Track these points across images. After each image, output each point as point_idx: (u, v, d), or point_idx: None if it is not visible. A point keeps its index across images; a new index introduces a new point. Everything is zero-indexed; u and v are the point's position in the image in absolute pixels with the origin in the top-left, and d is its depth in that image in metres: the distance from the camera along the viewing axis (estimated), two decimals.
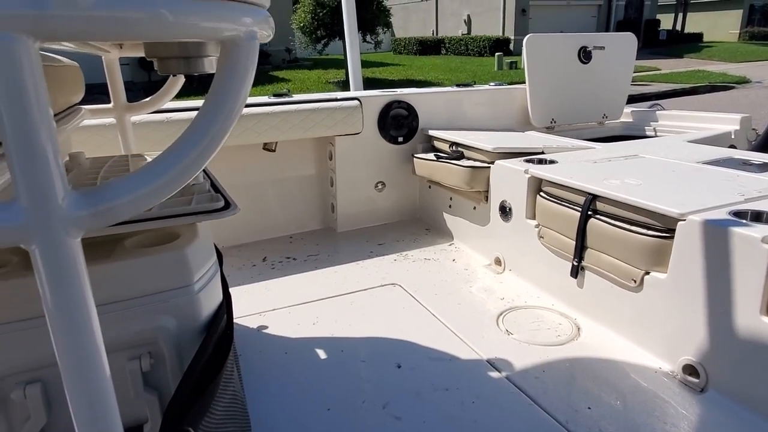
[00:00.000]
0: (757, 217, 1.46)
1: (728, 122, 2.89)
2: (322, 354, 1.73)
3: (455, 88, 3.08)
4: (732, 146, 2.71)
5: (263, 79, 15.86)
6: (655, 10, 29.54)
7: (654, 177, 1.88)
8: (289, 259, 2.53)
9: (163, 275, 0.97)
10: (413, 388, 1.54)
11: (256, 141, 2.54)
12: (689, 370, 1.52)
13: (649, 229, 1.62)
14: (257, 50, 0.67)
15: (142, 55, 1.50)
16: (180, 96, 2.01)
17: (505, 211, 2.25)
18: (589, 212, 1.80)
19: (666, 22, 29.93)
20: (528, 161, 2.22)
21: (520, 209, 2.16)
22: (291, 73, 18.08)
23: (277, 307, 2.05)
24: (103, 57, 1.67)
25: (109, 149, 2.10)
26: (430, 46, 28.29)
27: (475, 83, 3.32)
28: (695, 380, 1.50)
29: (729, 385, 1.42)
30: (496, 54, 19.50)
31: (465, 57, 25.35)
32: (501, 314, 1.96)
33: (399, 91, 2.96)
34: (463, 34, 28.11)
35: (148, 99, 1.80)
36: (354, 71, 3.62)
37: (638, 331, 1.69)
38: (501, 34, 26.01)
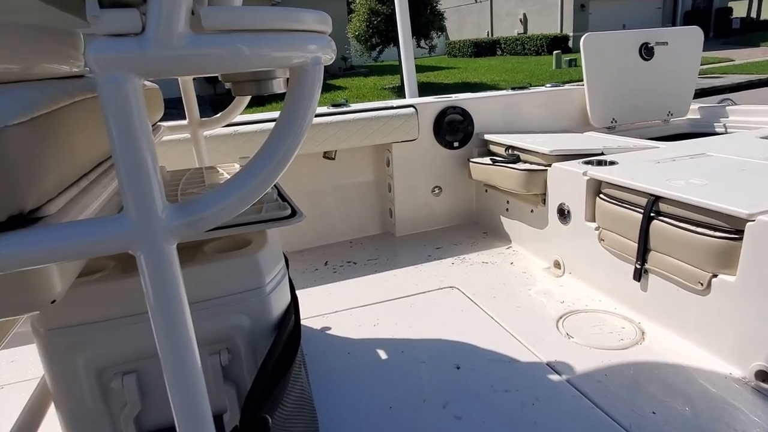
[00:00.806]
0: None
1: None
2: (383, 354, 1.79)
3: (510, 92, 3.07)
4: None
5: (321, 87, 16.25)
6: None
7: (721, 176, 1.81)
8: (349, 263, 2.62)
9: (238, 278, 1.06)
10: (473, 389, 1.57)
11: (317, 150, 2.65)
12: (762, 376, 1.46)
13: (715, 230, 1.57)
14: (322, 73, 0.74)
15: (214, 74, 1.62)
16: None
17: (563, 214, 2.23)
18: (652, 214, 1.76)
19: (739, 9, 28.00)
20: (587, 163, 2.19)
21: (579, 212, 2.13)
22: (347, 81, 18.43)
23: (339, 309, 2.13)
24: (179, 78, 1.82)
25: (184, 162, 2.27)
26: (485, 48, 27.97)
27: (530, 85, 3.29)
28: None
29: None
30: (554, 52, 19.02)
31: (522, 57, 24.87)
32: (561, 318, 1.94)
33: (453, 96, 2.99)
34: (519, 34, 27.59)
35: (218, 115, 1.94)
36: (409, 78, 3.68)
37: (706, 336, 1.63)
38: (559, 31, 25.30)
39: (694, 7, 26.83)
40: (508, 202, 2.72)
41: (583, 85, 3.01)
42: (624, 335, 1.80)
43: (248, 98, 1.88)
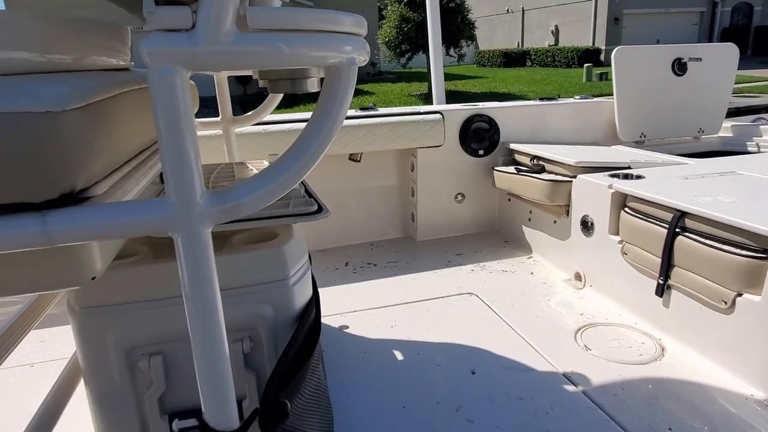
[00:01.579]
0: None
1: None
2: (399, 355, 1.81)
3: (538, 102, 3.07)
4: None
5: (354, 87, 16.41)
6: (767, 16, 27.07)
7: (751, 195, 1.78)
8: (369, 264, 2.65)
9: (263, 269, 1.10)
10: (487, 394, 1.58)
11: (343, 152, 2.69)
12: None
13: (742, 248, 1.55)
14: (356, 73, 0.77)
15: (249, 73, 1.68)
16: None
17: (586, 226, 2.22)
18: (677, 229, 1.74)
19: None
20: (613, 176, 2.18)
21: (602, 224, 2.12)
22: (375, 86, 18.55)
23: (357, 309, 2.16)
24: (214, 76, 1.88)
25: (215, 157, 2.33)
26: (514, 58, 27.84)
27: (559, 96, 3.28)
28: None
29: None
30: (585, 65, 18.82)
31: (551, 68, 24.68)
32: (580, 329, 1.93)
33: (481, 104, 3.00)
34: (550, 45, 27.39)
35: (250, 113, 1.99)
36: (437, 85, 3.71)
37: (728, 355, 1.61)
38: (591, 44, 25.04)
39: (732, 24, 26.27)
40: (531, 212, 2.72)
41: (612, 98, 2.99)
42: (643, 350, 1.78)
43: (280, 98, 1.93)
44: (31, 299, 1.21)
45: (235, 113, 2.01)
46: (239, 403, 1.12)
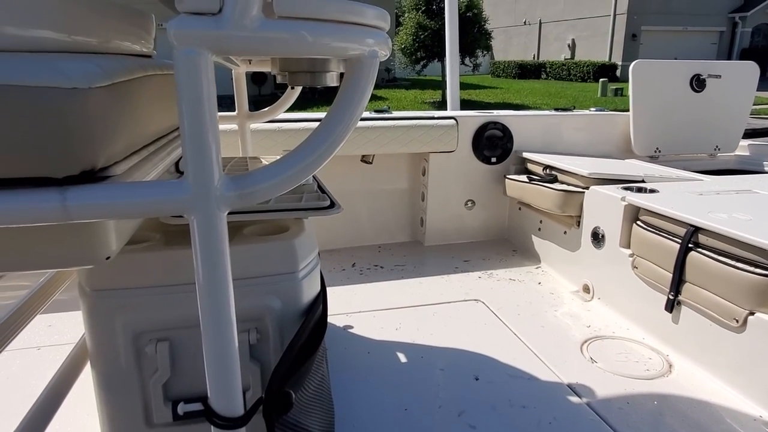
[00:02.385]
0: None
1: None
2: (402, 358, 1.80)
3: (553, 112, 3.06)
4: None
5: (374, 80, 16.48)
6: None
7: (767, 213, 1.76)
8: (377, 266, 2.64)
9: (273, 261, 1.10)
10: (490, 401, 1.56)
11: (356, 153, 2.70)
12: None
13: (756, 266, 1.53)
14: (377, 67, 0.77)
15: (268, 70, 1.69)
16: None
17: (597, 238, 2.21)
18: (690, 245, 1.73)
19: None
20: (626, 189, 2.17)
21: (614, 237, 2.11)
22: (389, 92, 18.60)
23: (363, 310, 2.16)
24: (233, 70, 1.89)
25: (228, 152, 2.34)
26: (530, 70, 27.82)
27: (574, 108, 3.27)
28: None
29: None
30: (601, 80, 18.76)
31: (567, 82, 24.63)
32: (586, 341, 1.92)
33: (495, 112, 3.00)
34: (566, 59, 27.35)
35: (266, 109, 2.00)
36: (452, 92, 3.71)
37: (738, 374, 1.58)
38: (607, 59, 24.97)
39: (752, 45, 26.09)
40: (541, 221, 2.70)
41: (628, 112, 2.98)
42: (650, 365, 1.76)
43: (296, 95, 1.94)
44: (40, 283, 1.21)
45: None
46: (243, 393, 1.12)
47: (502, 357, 1.80)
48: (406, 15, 18.14)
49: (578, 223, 2.35)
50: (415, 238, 3.07)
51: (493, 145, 2.89)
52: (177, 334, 1.07)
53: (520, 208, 2.91)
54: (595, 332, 1.98)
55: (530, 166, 2.82)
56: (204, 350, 0.69)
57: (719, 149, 3.07)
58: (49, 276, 1.24)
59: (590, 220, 2.26)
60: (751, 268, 1.53)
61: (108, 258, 0.71)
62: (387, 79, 22.09)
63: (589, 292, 2.26)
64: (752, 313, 1.53)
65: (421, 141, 2.72)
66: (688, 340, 1.77)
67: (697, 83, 2.95)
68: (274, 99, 1.97)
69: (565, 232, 2.48)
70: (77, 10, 0.81)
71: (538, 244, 2.73)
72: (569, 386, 1.64)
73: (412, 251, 2.88)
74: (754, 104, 3.21)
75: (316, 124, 2.71)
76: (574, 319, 2.08)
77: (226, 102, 2.03)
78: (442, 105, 14.60)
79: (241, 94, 1.95)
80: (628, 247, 2.04)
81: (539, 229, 2.72)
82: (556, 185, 2.47)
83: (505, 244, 2.99)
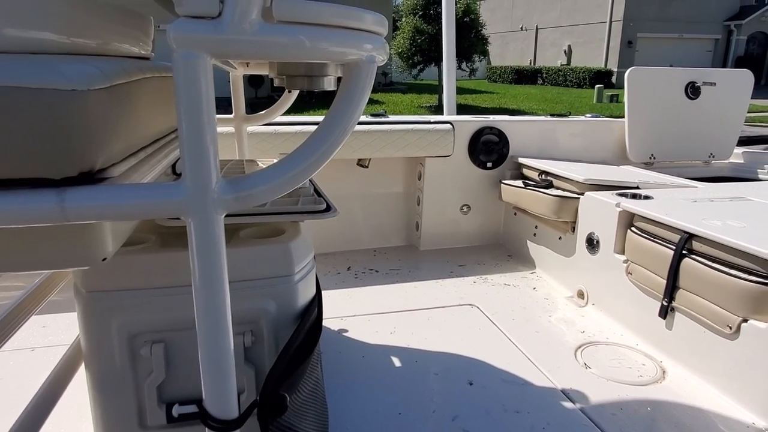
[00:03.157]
0: None
1: None
2: (396, 362, 1.80)
3: (549, 118, 3.08)
4: None
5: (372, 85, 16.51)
6: None
7: (761, 221, 1.78)
8: (372, 270, 2.65)
9: (269, 264, 1.10)
10: (483, 406, 1.57)
11: (352, 156, 2.70)
12: None
13: (750, 273, 1.54)
14: (375, 72, 0.77)
15: (265, 73, 1.69)
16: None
17: (592, 244, 2.22)
18: (684, 251, 1.74)
19: None
20: (621, 195, 2.18)
21: (608, 243, 2.12)
22: (386, 96, 18.63)
23: (357, 313, 2.16)
24: (230, 73, 1.89)
25: (224, 154, 2.34)
26: (526, 76, 27.96)
27: (570, 114, 3.29)
28: None
29: None
30: (597, 86, 18.88)
31: (562, 88, 24.76)
32: (580, 347, 1.92)
33: (491, 117, 3.01)
34: (562, 65, 27.50)
35: (263, 112, 2.00)
36: (449, 96, 3.73)
37: (731, 381, 1.59)
38: (603, 65, 25.13)
39: (747, 53, 26.32)
40: (536, 227, 2.71)
41: (623, 119, 3.00)
42: (644, 372, 1.77)
43: (293, 98, 1.94)
44: (35, 284, 1.21)
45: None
46: (237, 396, 1.12)
47: (496, 362, 1.81)
48: (403, 19, 18.20)
49: (573, 229, 2.36)
50: (410, 242, 3.07)
51: (489, 150, 2.90)
52: (173, 336, 1.06)
53: (515, 213, 2.92)
54: (589, 338, 1.99)
55: (526, 172, 2.83)
56: (199, 352, 0.69)
57: (714, 156, 3.10)
58: (44, 277, 1.23)
59: (585, 225, 2.27)
60: (745, 275, 1.54)
61: (104, 259, 0.71)
62: (384, 83, 22.14)
63: (583, 298, 2.27)
64: (745, 320, 1.54)
65: (417, 145, 2.73)
66: (681, 346, 1.78)
67: (692, 90, 2.98)
68: (271, 102, 1.97)
69: (560, 238, 2.49)
70: (76, 12, 0.81)
71: (533, 249, 2.74)
72: (563, 392, 1.64)
73: (407, 255, 2.89)
74: (748, 112, 3.24)
75: (313, 127, 2.71)
76: (569, 325, 2.09)
77: (222, 104, 2.03)
78: (438, 109, 14.64)
79: (239, 96, 1.95)
80: (623, 253, 2.05)
81: (534, 235, 2.73)
82: (552, 191, 2.48)
83: (500, 249, 3.00)
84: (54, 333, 1.94)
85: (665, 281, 1.79)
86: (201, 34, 0.59)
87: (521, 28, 31.67)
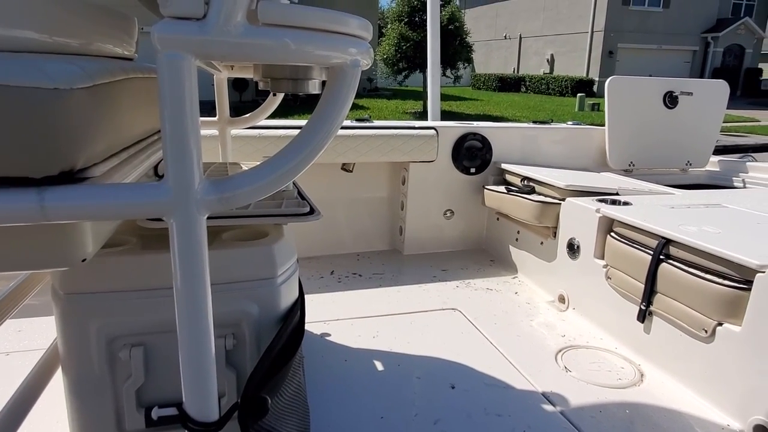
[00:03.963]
0: None
1: None
2: (379, 366, 1.80)
3: (531, 125, 3.12)
4: None
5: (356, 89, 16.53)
6: (757, 58, 27.88)
7: (735, 227, 1.82)
8: (355, 275, 2.64)
9: (252, 266, 1.10)
10: (465, 410, 1.57)
11: (336, 161, 2.70)
12: (760, 431, 1.45)
13: (724, 278, 1.58)
14: (359, 76, 0.78)
15: (250, 76, 1.69)
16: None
17: (572, 249, 2.25)
18: (661, 257, 1.77)
19: None
20: (601, 201, 2.22)
21: (588, 248, 2.15)
22: (371, 102, 18.68)
23: (340, 317, 2.15)
24: (214, 76, 1.89)
25: (208, 157, 2.33)
26: (509, 83, 28.27)
27: (552, 121, 3.34)
28: None
29: None
30: (579, 94, 19.16)
31: (545, 96, 25.09)
32: (560, 351, 1.95)
33: (475, 123, 3.04)
34: (544, 73, 27.88)
35: (247, 115, 2.00)
36: (433, 102, 3.76)
37: (706, 384, 1.63)
38: (585, 75, 25.54)
39: (723, 65, 26.98)
40: (518, 232, 2.74)
41: (604, 126, 3.05)
42: (622, 375, 1.79)
43: (277, 102, 1.94)
44: (10, 287, 1.19)
45: None
46: (218, 399, 1.11)
47: (478, 366, 1.82)
48: (389, 26, 18.29)
49: (554, 234, 2.40)
50: (393, 246, 3.08)
51: (472, 155, 2.93)
52: (152, 339, 1.05)
53: (498, 219, 2.95)
54: (569, 342, 2.01)
55: (508, 177, 2.87)
56: (180, 354, 0.69)
57: (691, 164, 3.17)
58: (20, 280, 1.21)
59: (566, 231, 2.30)
60: (720, 280, 1.58)
61: (84, 260, 0.70)
62: (369, 89, 22.17)
63: (564, 302, 2.30)
64: (720, 324, 1.58)
65: (402, 150, 2.75)
66: (659, 350, 1.81)
67: (670, 100, 3.05)
68: (255, 105, 1.97)
69: (541, 243, 2.52)
70: (59, 11, 0.81)
71: (516, 254, 2.77)
72: (543, 395, 1.66)
73: (390, 260, 2.89)
74: (724, 122, 3.32)
75: (297, 131, 2.70)
76: (550, 329, 2.12)
77: (206, 108, 2.02)
78: (423, 115, 14.71)
79: (223, 99, 1.94)
80: (603, 258, 2.09)
81: (516, 240, 2.76)
82: (534, 196, 2.51)
83: (482, 254, 3.02)
84: (30, 337, 1.90)
85: (643, 286, 1.82)
86: (186, 35, 0.59)
87: (505, 36, 32.05)
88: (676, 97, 3.05)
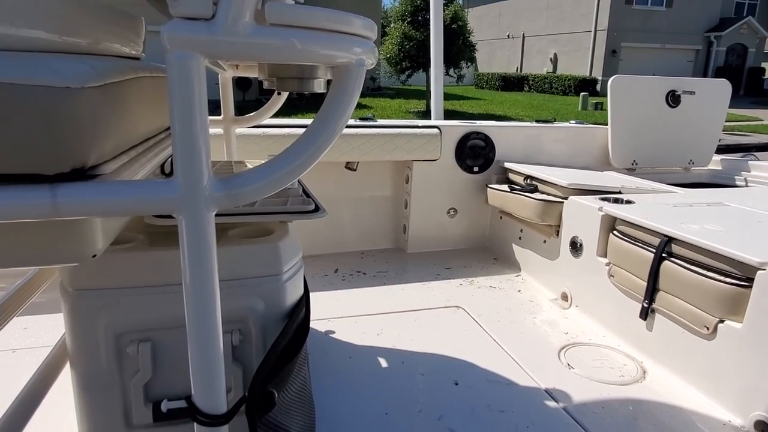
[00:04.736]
0: None
1: None
2: (383, 363, 1.81)
3: (534, 124, 3.13)
4: None
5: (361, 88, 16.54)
6: (760, 58, 27.78)
7: (737, 225, 1.83)
8: (359, 273, 2.66)
9: (258, 263, 1.11)
10: (469, 406, 1.59)
11: (340, 159, 2.72)
12: (761, 426, 1.46)
13: (726, 276, 1.58)
14: (364, 75, 0.79)
15: (254, 75, 1.70)
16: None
17: (575, 247, 2.26)
18: (664, 254, 1.78)
19: None
20: (603, 199, 2.22)
21: (591, 246, 2.16)
22: (374, 101, 18.69)
23: (344, 315, 2.17)
24: (219, 75, 1.90)
25: (213, 155, 2.34)
26: (513, 82, 28.24)
27: (555, 120, 3.34)
28: None
29: None
30: (582, 94, 19.15)
31: (548, 95, 25.06)
32: (563, 348, 1.95)
33: (478, 122, 3.05)
34: (548, 72, 27.84)
35: (252, 114, 2.01)
36: (436, 101, 3.76)
37: (708, 380, 1.64)
38: (588, 74, 25.50)
39: (726, 64, 26.90)
40: (521, 230, 2.75)
41: (606, 126, 3.06)
42: (625, 372, 1.80)
43: (282, 101, 1.95)
44: (17, 285, 1.20)
45: None
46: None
47: (481, 362, 1.83)
48: (392, 25, 18.29)
49: (557, 233, 2.40)
50: (397, 245, 3.09)
51: (475, 154, 2.94)
52: (160, 335, 1.07)
53: (501, 217, 2.96)
54: (572, 339, 2.02)
55: (512, 176, 2.87)
56: (189, 348, 0.70)
57: (693, 163, 3.17)
58: (27, 278, 1.23)
59: (569, 229, 2.31)
60: (721, 277, 1.59)
61: (94, 256, 0.72)
62: (372, 88, 22.19)
63: (567, 300, 2.31)
64: (722, 321, 1.58)
65: (405, 149, 2.76)
66: (661, 347, 1.82)
67: (673, 99, 3.05)
68: (259, 105, 1.98)
69: (544, 241, 2.53)
70: (69, 11, 0.82)
71: (519, 252, 2.78)
72: (546, 391, 1.67)
73: (394, 258, 2.90)
74: (726, 121, 3.32)
75: (301, 130, 2.72)
76: (552, 326, 2.13)
77: (210, 106, 2.03)
78: (426, 114, 14.73)
79: (228, 98, 1.96)
80: (605, 256, 2.10)
81: (520, 238, 2.77)
82: (537, 195, 2.52)
83: (486, 252, 3.03)
84: (36, 334, 1.92)
85: (646, 283, 1.83)
86: (194, 35, 0.61)
87: (508, 35, 32.01)
88: (679, 96, 3.05)
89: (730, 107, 3.24)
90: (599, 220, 2.10)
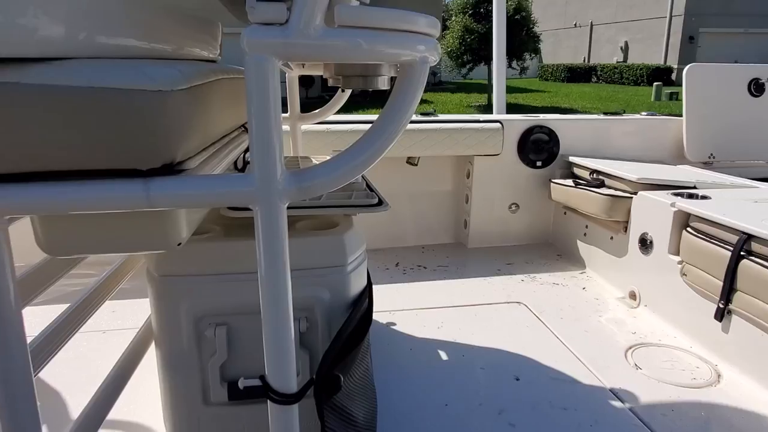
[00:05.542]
0: None
1: None
2: (443, 356, 1.83)
3: (602, 116, 3.02)
4: None
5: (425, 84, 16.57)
6: None
7: None
8: (420, 267, 2.69)
9: (324, 254, 1.17)
10: (530, 401, 1.58)
11: (402, 154, 2.75)
12: None
13: None
14: (427, 72, 0.82)
15: (319, 74, 1.76)
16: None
17: (645, 244, 2.17)
18: (742, 253, 1.68)
19: None
20: (677, 195, 2.12)
21: (662, 243, 2.07)
22: (434, 96, 18.59)
23: (405, 308, 2.20)
24: (286, 74, 1.98)
25: None
26: (579, 74, 27.16)
27: (624, 112, 3.21)
28: None
29: None
30: (655, 84, 18.14)
31: (618, 86, 23.92)
32: (631, 348, 1.89)
33: (541, 116, 2.98)
34: (618, 62, 26.55)
35: (317, 111, 2.08)
36: (498, 95, 3.71)
37: None
38: (662, 62, 24.09)
39: None
40: (587, 226, 2.67)
41: (681, 117, 2.90)
42: (698, 374, 1.72)
43: (345, 98, 2.01)
44: (107, 272, 1.32)
45: None
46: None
47: (543, 359, 1.81)
48: (453, 18, 18.08)
49: (625, 229, 2.32)
50: (458, 240, 3.09)
51: (538, 148, 2.88)
52: (235, 320, 1.15)
53: (565, 213, 2.88)
54: (640, 339, 1.95)
55: (576, 171, 2.80)
56: (264, 330, 0.76)
57: None
58: (116, 266, 1.35)
59: (638, 225, 2.22)
60: None
61: (179, 244, 0.79)
62: (433, 83, 22.09)
63: (635, 299, 2.22)
64: None
65: (466, 144, 2.75)
66: (737, 350, 1.72)
67: (756, 88, 2.85)
68: (321, 101, 2.05)
69: (611, 238, 2.45)
70: (156, 19, 0.90)
71: (583, 249, 2.70)
72: (612, 391, 1.63)
73: (455, 253, 2.91)
74: None
75: (364, 126, 2.77)
76: (619, 325, 2.06)
77: None
78: (487, 109, 14.48)
79: (294, 96, 2.04)
80: (677, 254, 2.00)
81: (585, 234, 2.69)
82: (603, 190, 2.44)
83: (549, 248, 2.97)
84: (123, 317, 2.09)
85: (722, 283, 1.74)
86: (270, 39, 0.65)
87: (575, 24, 30.80)
88: (763, 84, 2.84)
89: None
90: (672, 216, 2.01)
